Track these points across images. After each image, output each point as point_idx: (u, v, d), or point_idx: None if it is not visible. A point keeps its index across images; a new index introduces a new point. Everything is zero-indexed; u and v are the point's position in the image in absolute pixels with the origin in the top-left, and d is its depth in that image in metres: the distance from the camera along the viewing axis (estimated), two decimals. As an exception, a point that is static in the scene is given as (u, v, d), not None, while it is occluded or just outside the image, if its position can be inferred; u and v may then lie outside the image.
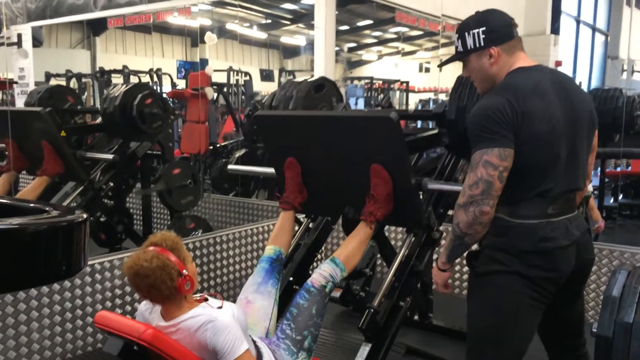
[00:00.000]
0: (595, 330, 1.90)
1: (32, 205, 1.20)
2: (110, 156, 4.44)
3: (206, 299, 2.06)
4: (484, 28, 2.00)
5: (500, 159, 1.88)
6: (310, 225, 3.15)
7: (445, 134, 2.69)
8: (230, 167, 3.34)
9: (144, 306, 2.08)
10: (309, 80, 3.14)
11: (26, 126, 4.07)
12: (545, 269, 1.95)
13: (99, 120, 4.78)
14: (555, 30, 8.16)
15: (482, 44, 2.00)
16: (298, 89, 3.04)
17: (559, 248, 1.95)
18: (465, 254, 2.10)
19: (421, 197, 2.66)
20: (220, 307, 2.00)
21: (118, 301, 3.49)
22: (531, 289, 1.96)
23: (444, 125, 2.71)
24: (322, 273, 2.25)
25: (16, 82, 6.66)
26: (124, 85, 4.49)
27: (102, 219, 4.82)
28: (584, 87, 10.57)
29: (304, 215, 3.17)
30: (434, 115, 2.83)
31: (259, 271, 2.41)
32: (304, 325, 2.14)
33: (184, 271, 1.93)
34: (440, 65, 2.35)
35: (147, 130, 4.47)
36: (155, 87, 9.62)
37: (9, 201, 1.25)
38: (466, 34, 2.03)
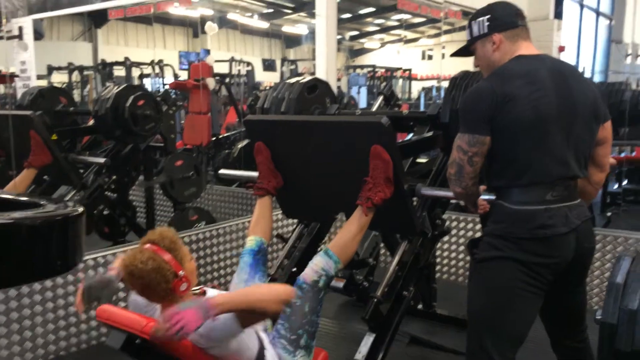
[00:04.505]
0: (599, 317, 1.88)
1: (26, 199, 1.19)
2: (101, 160, 4.40)
3: (204, 293, 2.04)
4: (488, 16, 2.06)
5: (469, 144, 1.97)
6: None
7: (440, 137, 2.67)
8: (221, 171, 3.30)
9: (140, 297, 2.04)
10: (301, 81, 3.09)
11: (16, 129, 3.86)
12: (542, 255, 1.95)
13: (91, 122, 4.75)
14: (558, 14, 8.09)
15: (486, 30, 2.06)
16: (290, 91, 3.00)
17: (557, 235, 1.94)
18: (466, 243, 2.10)
19: (415, 202, 2.61)
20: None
21: (121, 294, 3.49)
22: (527, 274, 1.96)
23: (438, 128, 2.69)
24: (314, 267, 2.15)
25: (17, 76, 6.64)
26: (116, 87, 4.43)
27: (105, 212, 4.81)
28: (588, 73, 10.48)
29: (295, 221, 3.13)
30: (427, 118, 2.81)
31: (243, 267, 2.35)
32: (298, 324, 2.08)
33: (180, 272, 1.90)
34: (452, 55, 2.35)
35: (139, 132, 4.44)
36: (157, 79, 9.62)
37: (2, 195, 1.23)
38: (473, 22, 2.10)
